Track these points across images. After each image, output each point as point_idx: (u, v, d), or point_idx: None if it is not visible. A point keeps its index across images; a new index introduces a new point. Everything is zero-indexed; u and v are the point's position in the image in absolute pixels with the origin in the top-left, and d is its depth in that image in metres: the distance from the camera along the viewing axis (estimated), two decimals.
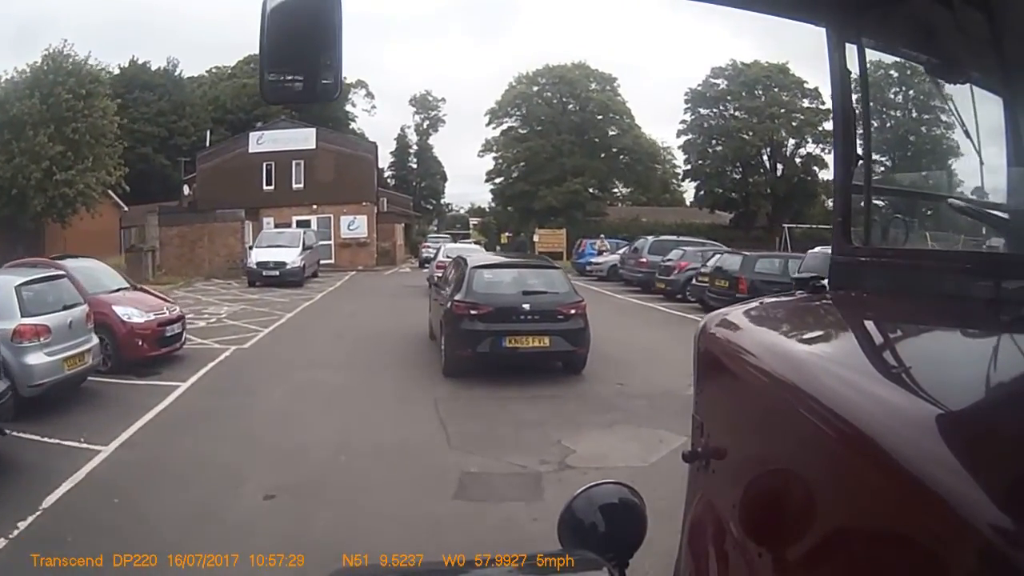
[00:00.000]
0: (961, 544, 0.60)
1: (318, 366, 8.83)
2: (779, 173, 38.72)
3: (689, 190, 51.92)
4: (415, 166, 62.41)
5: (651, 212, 44.01)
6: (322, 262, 25.89)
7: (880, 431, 0.75)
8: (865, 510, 0.75)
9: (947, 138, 1.61)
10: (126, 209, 29.11)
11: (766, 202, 37.91)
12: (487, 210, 59.62)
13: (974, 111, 1.30)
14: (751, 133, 37.62)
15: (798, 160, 38.19)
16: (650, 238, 21.71)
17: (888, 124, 1.71)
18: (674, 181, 49.15)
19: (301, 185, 30.31)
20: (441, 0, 73.68)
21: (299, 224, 28.05)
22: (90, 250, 21.52)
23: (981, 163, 1.34)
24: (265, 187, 30.29)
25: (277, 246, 21.09)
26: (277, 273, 19.81)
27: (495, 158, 45.50)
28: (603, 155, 43.68)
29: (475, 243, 33.56)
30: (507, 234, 43.65)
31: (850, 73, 1.31)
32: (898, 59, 1.50)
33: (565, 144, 42.16)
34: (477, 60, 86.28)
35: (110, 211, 27.33)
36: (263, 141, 30.77)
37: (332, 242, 29.97)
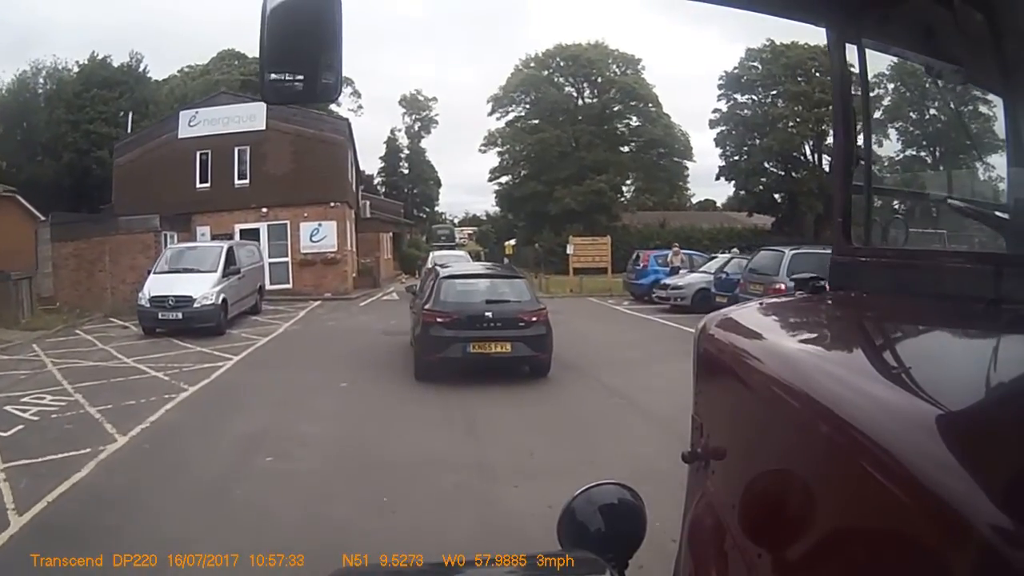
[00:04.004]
0: (961, 544, 0.69)
1: None
2: (828, 169, 39.08)
3: (700, 191, 52.82)
4: (407, 171, 64.38)
5: (679, 217, 44.44)
6: (277, 287, 23.81)
7: (880, 431, 0.88)
8: (865, 510, 0.88)
9: (947, 138, 1.88)
10: (42, 219, 25.53)
11: (818, 202, 38.05)
12: (484, 218, 60.84)
13: (974, 111, 1.55)
14: (796, 122, 37.94)
15: None
16: (787, 251, 15.98)
17: (888, 124, 1.96)
18: (680, 183, 49.73)
19: (246, 181, 26.91)
20: (434, 5, 77.47)
21: (244, 235, 24.69)
22: None
23: (981, 163, 1.59)
24: (199, 185, 26.96)
25: (183, 270, 16.88)
26: (179, 316, 15.59)
27: (500, 153, 45.71)
28: (627, 149, 43.81)
29: (470, 254, 33.59)
30: (511, 243, 43.78)
31: (850, 73, 1.56)
32: (898, 59, 1.76)
33: (584, 135, 42.13)
34: (471, 68, 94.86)
35: (25, 223, 24.67)
36: (197, 122, 27.21)
37: (289, 259, 26.65)
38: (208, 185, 27.02)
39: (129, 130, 31.34)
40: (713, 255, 25.87)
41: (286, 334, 16.70)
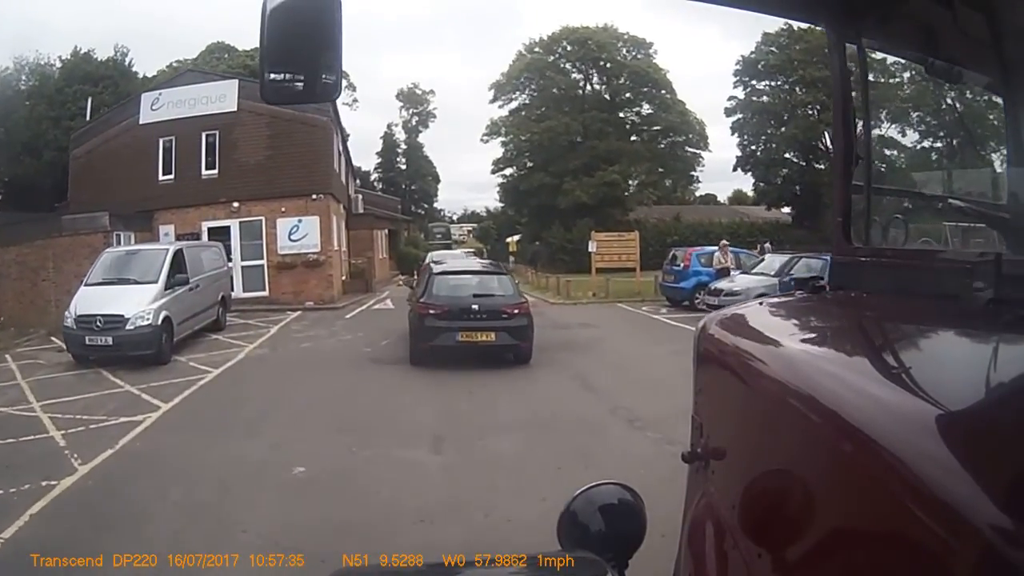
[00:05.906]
0: (961, 544, 0.75)
1: None
2: None
3: (702, 186, 53.38)
4: (404, 167, 66.39)
5: (689, 211, 44.80)
6: (251, 295, 23.02)
7: (879, 431, 0.95)
8: (864, 510, 0.96)
9: (947, 138, 2.01)
10: None
11: None
12: (484, 214, 61.71)
13: (974, 111, 1.68)
14: (817, 110, 38.21)
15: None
16: None
17: (888, 124, 2.09)
18: (693, 174, 50.41)
19: (215, 171, 25.03)
20: (435, 5, 79.94)
21: (213, 234, 23.26)
22: None
23: (981, 163, 1.72)
24: (162, 177, 25.09)
25: (117, 281, 14.65)
26: (109, 341, 13.27)
27: (504, 143, 46.02)
28: (638, 138, 44.09)
29: (472, 252, 34.03)
30: (515, 239, 43.98)
31: (850, 73, 1.69)
32: (898, 59, 1.89)
33: (594, 124, 42.30)
34: (470, 66, 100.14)
35: None
36: (160, 105, 25.32)
37: (264, 261, 24.67)
38: (172, 177, 25.19)
39: (88, 117, 29.61)
40: (760, 255, 24.92)
41: (244, 363, 14.18)
